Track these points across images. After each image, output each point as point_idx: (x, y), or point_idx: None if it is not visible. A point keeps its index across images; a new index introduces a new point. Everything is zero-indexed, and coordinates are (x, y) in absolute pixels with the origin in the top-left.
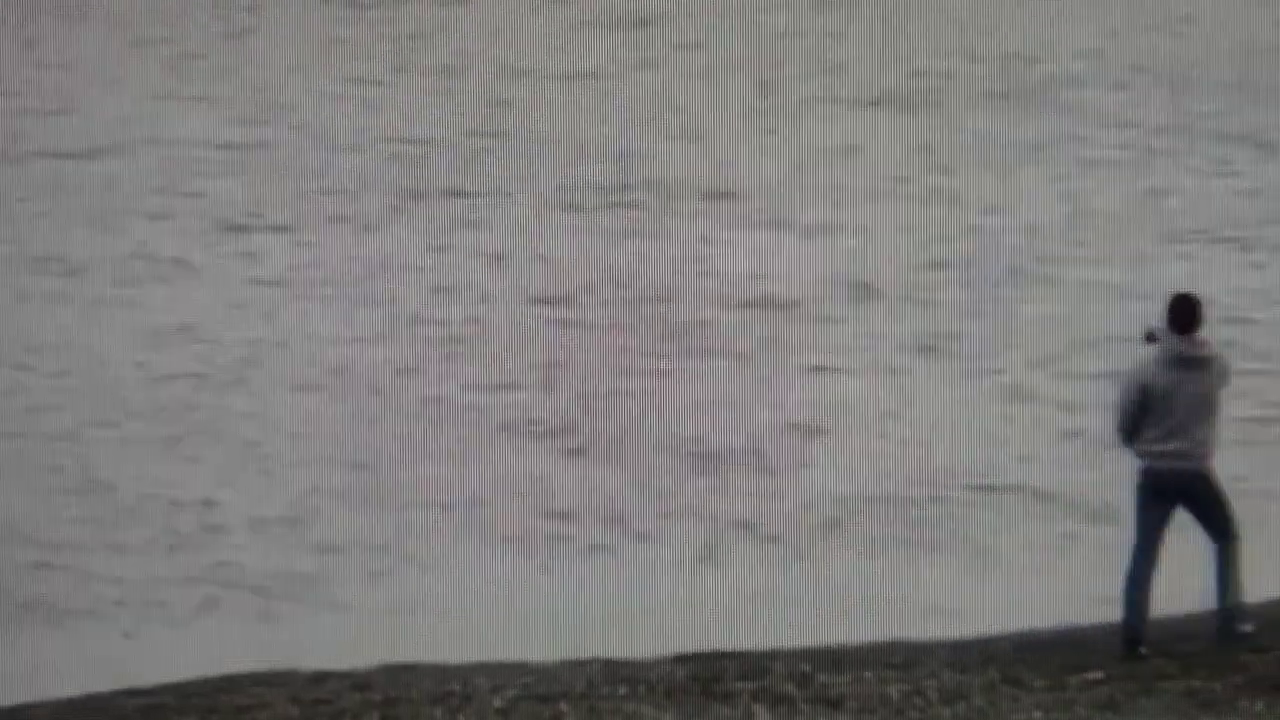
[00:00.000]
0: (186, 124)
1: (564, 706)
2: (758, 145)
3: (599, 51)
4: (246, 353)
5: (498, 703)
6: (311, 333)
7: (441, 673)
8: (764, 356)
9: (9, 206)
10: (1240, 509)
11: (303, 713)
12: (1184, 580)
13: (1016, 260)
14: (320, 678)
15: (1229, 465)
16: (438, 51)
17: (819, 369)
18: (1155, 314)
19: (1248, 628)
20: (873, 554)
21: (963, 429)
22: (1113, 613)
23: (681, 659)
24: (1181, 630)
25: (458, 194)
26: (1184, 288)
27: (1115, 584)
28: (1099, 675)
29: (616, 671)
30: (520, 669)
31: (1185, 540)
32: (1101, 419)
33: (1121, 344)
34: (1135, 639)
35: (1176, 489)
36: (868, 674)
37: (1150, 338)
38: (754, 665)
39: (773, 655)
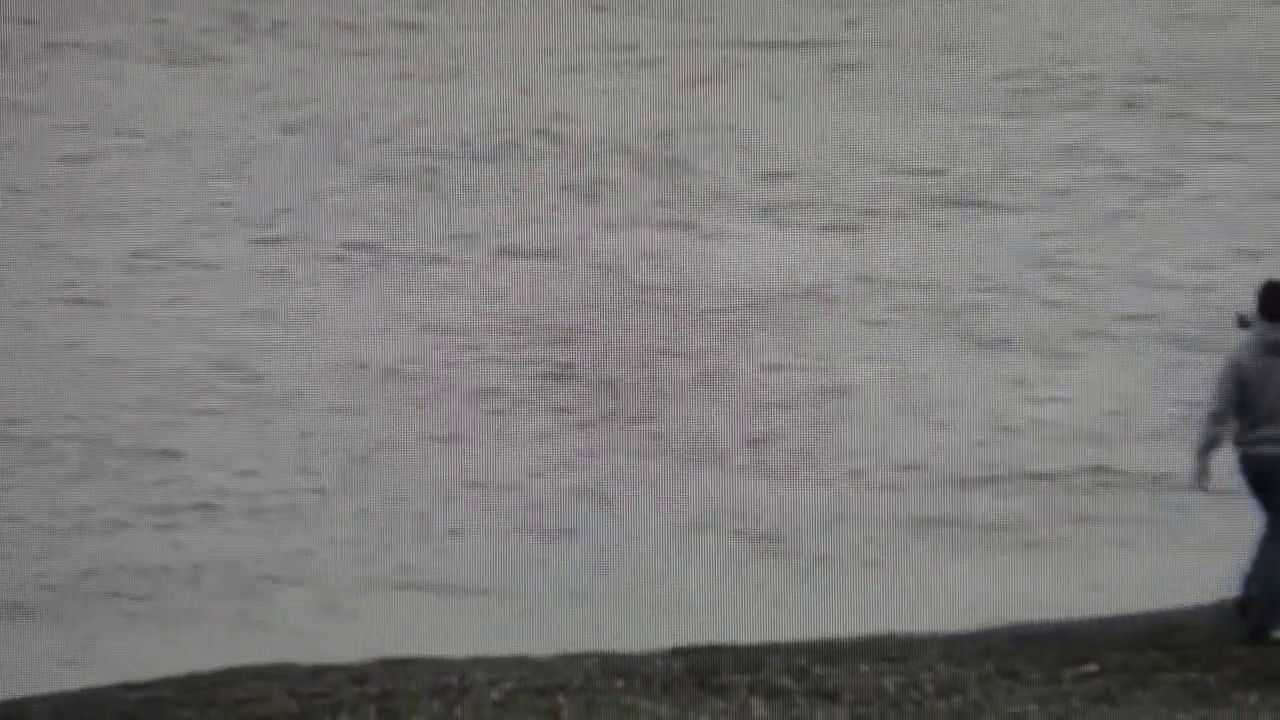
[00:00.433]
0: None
1: (561, 699)
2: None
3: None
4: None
5: (495, 695)
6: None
7: (439, 666)
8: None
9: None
10: None
11: (301, 706)
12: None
13: None
14: (318, 671)
15: None
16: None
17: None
18: None
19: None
20: (873, 545)
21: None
22: (1104, 604)
23: (678, 652)
24: (1176, 623)
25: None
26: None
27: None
28: (1094, 668)
29: (613, 665)
30: (518, 662)
31: (1178, 534)
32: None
33: None
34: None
35: (1271, 474)
36: (864, 667)
37: (1243, 323)
38: (750, 658)
39: (769, 649)
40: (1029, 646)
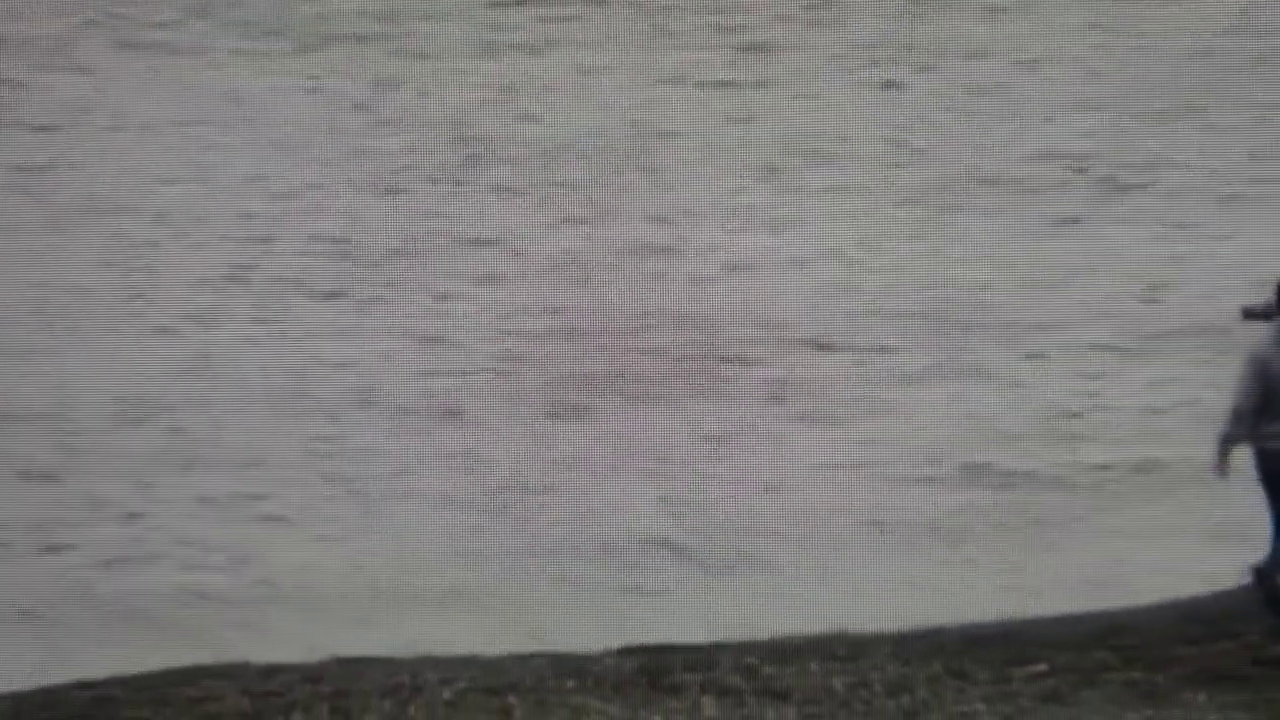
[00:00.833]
0: None
1: (512, 699)
2: None
3: None
4: None
5: (447, 695)
6: None
7: (391, 666)
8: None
9: None
10: None
11: (254, 705)
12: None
13: None
14: (272, 670)
15: None
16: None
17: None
18: None
19: None
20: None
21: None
22: (1053, 605)
23: (629, 651)
24: (1123, 623)
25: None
26: None
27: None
28: (1043, 668)
29: (564, 664)
30: (469, 662)
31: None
32: None
33: None
34: None
35: None
36: (814, 666)
37: (1250, 314)
38: (701, 658)
39: (720, 648)
40: (978, 646)
